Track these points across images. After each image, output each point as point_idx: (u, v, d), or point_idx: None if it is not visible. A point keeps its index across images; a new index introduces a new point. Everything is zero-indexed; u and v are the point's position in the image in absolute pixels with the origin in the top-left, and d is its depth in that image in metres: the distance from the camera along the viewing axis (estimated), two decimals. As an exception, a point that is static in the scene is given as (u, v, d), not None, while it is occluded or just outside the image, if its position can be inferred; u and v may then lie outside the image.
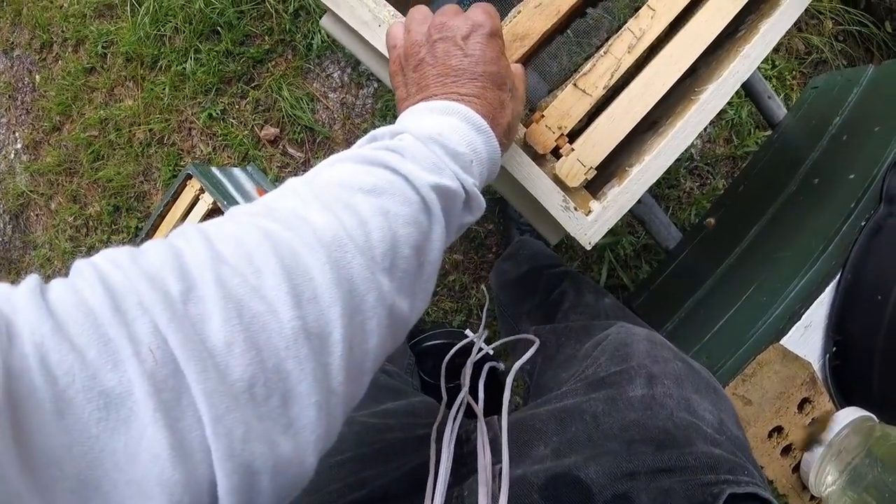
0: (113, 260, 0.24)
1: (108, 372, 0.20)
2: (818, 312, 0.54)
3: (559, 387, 0.49)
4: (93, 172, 1.33)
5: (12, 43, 1.43)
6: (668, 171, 0.56)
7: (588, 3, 0.56)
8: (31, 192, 1.40)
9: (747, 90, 0.85)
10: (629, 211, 0.49)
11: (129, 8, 1.29)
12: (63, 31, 1.36)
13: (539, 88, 0.84)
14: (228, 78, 1.25)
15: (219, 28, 1.24)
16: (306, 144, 1.24)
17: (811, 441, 0.49)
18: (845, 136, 0.68)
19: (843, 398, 0.55)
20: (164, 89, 1.26)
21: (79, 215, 1.36)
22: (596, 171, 0.48)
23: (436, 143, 0.34)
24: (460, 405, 0.49)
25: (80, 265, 0.24)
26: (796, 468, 0.50)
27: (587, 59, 0.51)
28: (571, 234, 0.47)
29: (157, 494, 0.20)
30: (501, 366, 1.03)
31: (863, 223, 0.55)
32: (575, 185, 0.47)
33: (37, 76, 1.40)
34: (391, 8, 0.48)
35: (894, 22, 1.06)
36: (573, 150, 0.47)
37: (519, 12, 0.48)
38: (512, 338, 0.70)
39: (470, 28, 0.39)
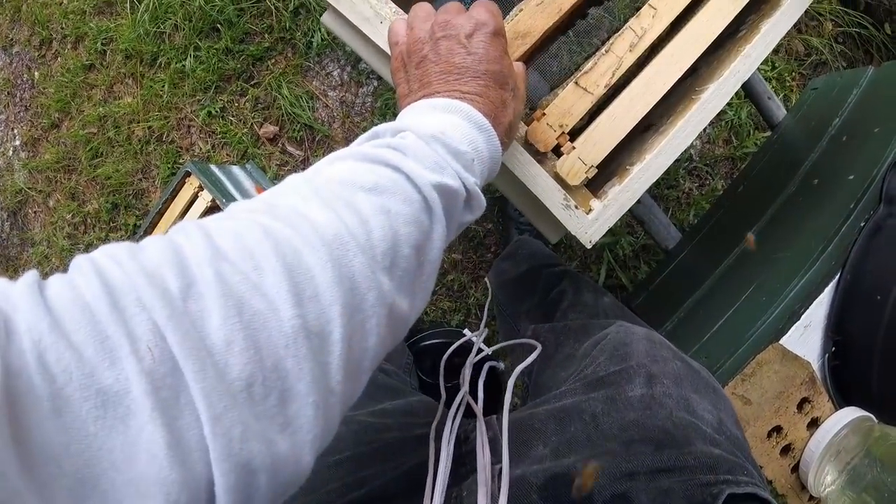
0: (112, 255, 0.23)
1: (106, 370, 0.20)
2: (817, 312, 0.54)
3: (558, 386, 0.49)
4: (91, 170, 1.33)
5: (11, 39, 1.43)
6: (667, 172, 0.56)
7: (590, 3, 0.56)
8: (29, 189, 1.40)
9: (747, 91, 0.85)
10: (629, 211, 0.49)
11: (128, 5, 1.28)
12: (62, 28, 1.35)
13: (540, 87, 0.84)
14: (228, 75, 1.25)
15: (219, 25, 1.24)
16: (305, 143, 1.24)
17: (810, 441, 0.49)
18: (845, 137, 0.68)
19: (842, 398, 0.55)
20: (163, 87, 1.26)
21: (77, 213, 1.36)
22: (597, 170, 0.48)
23: (438, 141, 0.34)
24: (459, 405, 0.49)
25: (78, 261, 0.23)
26: (795, 468, 0.50)
27: (588, 58, 0.51)
28: (572, 233, 0.47)
29: (154, 493, 0.20)
30: (501, 365, 1.03)
31: (862, 224, 0.55)
32: (576, 183, 0.47)
33: (36, 73, 1.40)
34: (393, 4, 0.48)
35: (894, 24, 1.06)
36: (574, 148, 0.47)
37: (521, 10, 0.48)
38: (513, 342, 0.70)
39: (474, 26, 0.39)
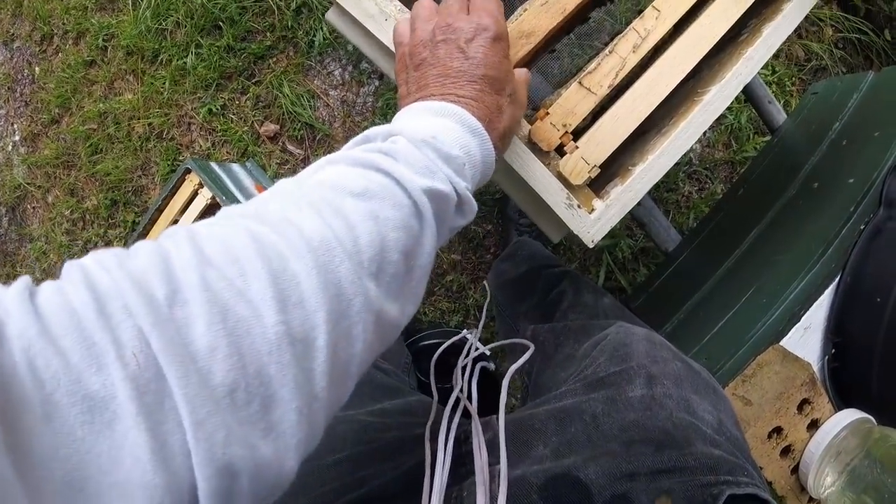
0: (100, 262, 0.24)
1: (92, 375, 0.20)
2: (817, 314, 0.54)
3: (558, 386, 0.49)
4: (91, 166, 1.32)
5: (13, 34, 1.43)
6: (667, 175, 0.56)
7: (593, 5, 0.56)
8: (28, 184, 1.40)
9: (748, 95, 0.85)
10: (629, 213, 0.49)
11: (130, 1, 1.28)
12: (64, 24, 1.35)
13: (542, 89, 0.84)
14: (229, 73, 1.25)
15: (220, 23, 1.24)
16: (306, 141, 1.24)
17: (810, 442, 0.49)
18: (845, 141, 0.68)
19: (842, 400, 0.55)
20: (164, 84, 1.26)
21: (76, 209, 1.35)
22: (599, 170, 0.48)
23: (429, 146, 0.34)
24: (454, 404, 0.49)
25: (68, 267, 0.24)
26: (795, 469, 0.50)
27: (589, 60, 0.51)
28: (575, 232, 0.47)
29: (139, 497, 0.20)
30: (492, 366, 1.03)
31: (862, 226, 0.55)
32: (579, 182, 0.47)
33: (36, 68, 1.40)
34: (397, 2, 0.48)
35: (893, 30, 1.07)
36: (577, 147, 0.47)
37: (525, 10, 0.49)
38: (506, 342, 0.70)
39: (474, 31, 0.39)
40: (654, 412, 0.40)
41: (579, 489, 0.36)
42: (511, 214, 1.14)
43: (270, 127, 1.24)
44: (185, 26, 1.25)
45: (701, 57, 0.50)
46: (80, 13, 1.34)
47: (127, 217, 1.32)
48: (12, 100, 1.43)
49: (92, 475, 0.20)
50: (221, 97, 1.25)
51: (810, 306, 0.54)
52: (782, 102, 1.15)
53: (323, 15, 1.20)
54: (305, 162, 1.24)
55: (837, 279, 0.55)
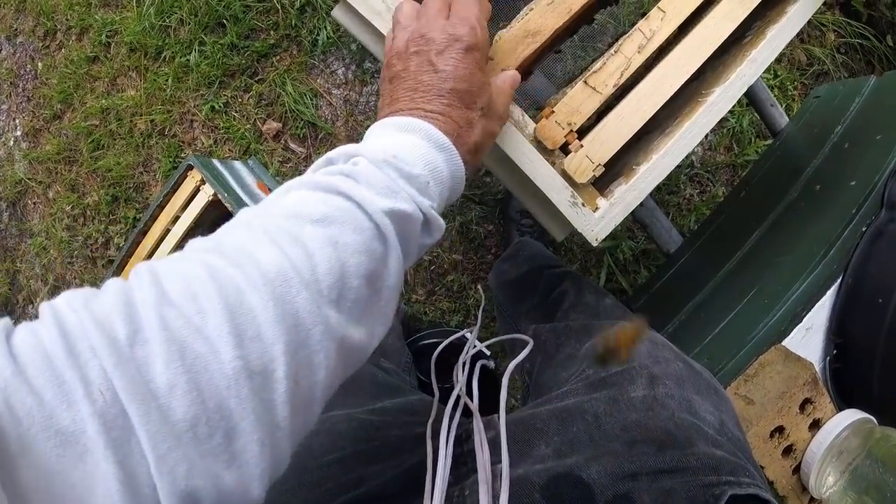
0: (69, 302, 0.25)
1: (64, 411, 0.22)
2: (819, 315, 0.54)
3: (559, 386, 0.49)
4: (92, 162, 1.32)
5: (16, 29, 1.43)
6: (668, 178, 0.56)
7: (599, 6, 0.57)
8: (29, 179, 1.40)
9: (751, 98, 0.86)
10: (632, 214, 0.49)
11: (134, -2, 1.28)
12: (67, 20, 1.35)
13: (546, 90, 0.85)
14: (232, 71, 1.25)
15: (224, 21, 1.24)
16: (308, 140, 1.24)
17: (812, 442, 0.49)
18: (847, 144, 0.68)
19: (843, 401, 0.55)
20: (167, 80, 1.26)
21: (77, 204, 1.35)
22: (604, 169, 0.48)
23: (390, 165, 0.33)
24: (455, 402, 0.48)
25: (42, 308, 0.25)
26: (797, 469, 0.50)
27: (593, 61, 0.51)
28: (579, 230, 0.47)
29: None
30: (492, 364, 1.03)
31: (864, 228, 0.56)
32: (583, 181, 0.47)
33: (39, 63, 1.40)
34: (405, -1, 0.48)
35: (895, 36, 1.07)
36: (582, 146, 0.48)
37: (531, 9, 0.49)
38: (506, 337, 0.69)
39: (446, 42, 0.39)
40: (656, 412, 0.40)
41: (581, 489, 0.36)
42: (512, 215, 1.14)
43: (273, 125, 1.24)
44: (189, 23, 1.25)
45: (705, 58, 0.51)
46: (83, 9, 1.34)
47: (128, 213, 1.32)
48: (14, 95, 1.43)
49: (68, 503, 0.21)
50: (224, 95, 1.25)
51: (812, 307, 0.54)
52: (784, 106, 1.16)
53: (327, 14, 1.20)
54: (307, 160, 1.24)
55: (839, 280, 0.55)
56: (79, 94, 1.34)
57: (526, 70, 0.51)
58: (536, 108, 0.52)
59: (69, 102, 1.36)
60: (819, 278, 0.55)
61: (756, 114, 0.91)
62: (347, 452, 0.46)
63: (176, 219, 1.03)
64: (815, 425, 0.50)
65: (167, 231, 1.03)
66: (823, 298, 0.54)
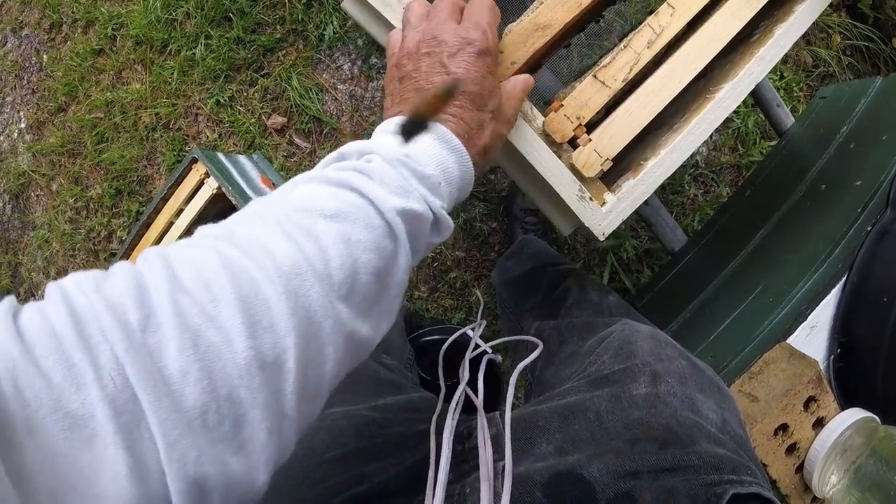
0: (78, 284, 0.25)
1: (73, 394, 0.22)
2: (824, 314, 0.54)
3: (561, 383, 0.49)
4: (96, 155, 1.33)
5: (21, 22, 1.43)
6: (673, 177, 0.56)
7: (609, 0, 0.57)
8: (32, 172, 1.40)
9: (757, 98, 0.86)
10: (636, 212, 0.49)
11: (141, -9, 1.28)
12: (73, 12, 1.35)
13: (552, 86, 0.85)
14: (238, 65, 1.25)
15: (231, 15, 1.24)
16: (313, 135, 1.24)
17: (815, 441, 0.49)
18: (853, 145, 0.68)
19: (847, 400, 0.55)
20: (172, 74, 1.26)
21: (80, 197, 1.35)
22: (612, 163, 0.48)
23: (404, 165, 0.34)
24: (459, 399, 0.48)
25: (50, 288, 0.25)
26: (800, 468, 0.50)
27: (600, 58, 0.52)
28: (586, 224, 0.47)
29: None
30: (499, 358, 1.03)
31: (869, 228, 0.56)
32: (591, 175, 0.47)
33: (44, 56, 1.40)
34: (415, -9, 0.48)
35: (901, 38, 1.07)
36: (590, 140, 0.48)
37: (542, 3, 0.49)
38: (513, 338, 0.69)
39: (459, 45, 0.39)
40: (658, 410, 0.40)
41: (583, 486, 0.36)
42: (516, 212, 1.14)
43: (278, 119, 1.24)
44: (196, 17, 1.25)
45: (714, 55, 0.51)
46: (89, 2, 1.34)
47: (131, 206, 1.32)
48: (19, 87, 1.43)
49: (74, 487, 0.21)
50: (229, 89, 1.25)
51: (817, 305, 0.54)
52: (790, 108, 1.16)
53: (333, 9, 1.20)
54: (312, 155, 1.24)
55: (844, 279, 0.55)
56: (84, 86, 1.34)
57: (535, 64, 0.51)
58: (543, 102, 0.52)
59: (74, 95, 1.36)
60: (824, 277, 0.55)
61: (761, 115, 0.91)
62: (349, 449, 0.46)
63: (180, 212, 1.03)
64: (819, 423, 0.50)
65: (171, 224, 1.03)
66: (828, 297, 0.54)
